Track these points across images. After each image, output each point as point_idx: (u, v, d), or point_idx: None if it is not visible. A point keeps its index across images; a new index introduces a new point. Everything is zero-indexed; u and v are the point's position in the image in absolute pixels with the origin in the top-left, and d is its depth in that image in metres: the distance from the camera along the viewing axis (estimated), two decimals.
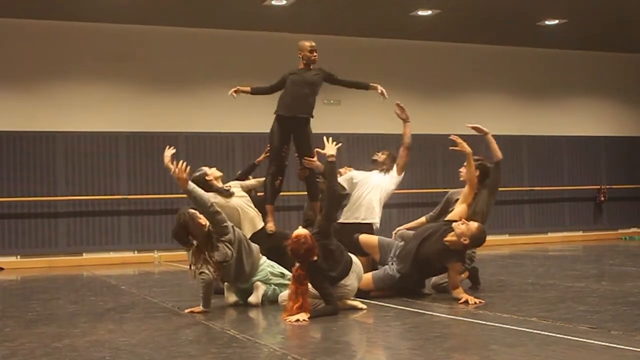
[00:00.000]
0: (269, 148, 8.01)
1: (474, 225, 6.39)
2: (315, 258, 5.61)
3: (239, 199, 7.30)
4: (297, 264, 5.59)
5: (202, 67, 14.32)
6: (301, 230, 5.70)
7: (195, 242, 6.13)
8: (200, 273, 6.00)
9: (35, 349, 4.57)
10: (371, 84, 8.17)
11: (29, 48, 13.37)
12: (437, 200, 16.16)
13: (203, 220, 6.10)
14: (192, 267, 6.09)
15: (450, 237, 6.35)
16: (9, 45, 13.29)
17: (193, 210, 6.13)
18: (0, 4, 12.45)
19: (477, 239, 6.39)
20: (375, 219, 7.58)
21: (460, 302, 6.00)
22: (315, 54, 7.86)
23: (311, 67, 7.89)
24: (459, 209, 6.67)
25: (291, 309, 5.43)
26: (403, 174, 7.83)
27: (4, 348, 4.65)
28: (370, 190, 7.63)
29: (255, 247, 6.50)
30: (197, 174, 7.26)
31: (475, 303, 5.93)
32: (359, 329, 5.35)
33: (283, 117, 7.77)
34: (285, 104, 7.77)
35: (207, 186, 7.08)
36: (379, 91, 8.10)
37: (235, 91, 8.15)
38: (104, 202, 13.52)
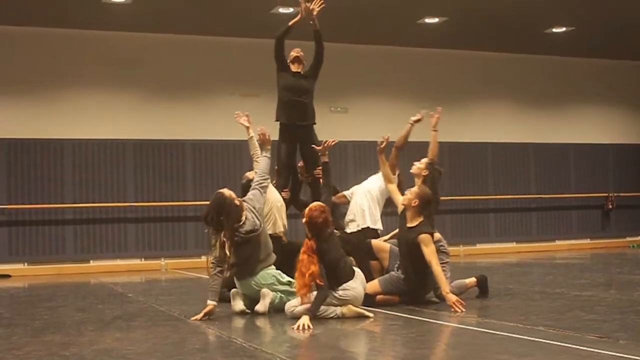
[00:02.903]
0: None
1: (414, 188, 6.77)
2: (329, 230, 6.04)
3: (277, 195, 7.33)
4: (310, 238, 5.91)
5: (209, 74, 14.36)
6: (319, 203, 6.22)
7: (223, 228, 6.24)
8: (218, 272, 6.23)
9: (43, 358, 4.57)
10: (314, 27, 7.90)
11: (36, 56, 13.43)
12: (443, 208, 16.21)
13: (238, 200, 6.30)
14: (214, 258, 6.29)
15: (408, 214, 6.61)
16: (16, 53, 13.35)
17: (229, 191, 6.34)
18: (9, 12, 12.52)
19: (424, 195, 6.64)
20: (367, 222, 7.66)
21: (451, 303, 6.08)
22: (295, 52, 7.86)
23: (300, 70, 7.84)
24: (396, 194, 7.10)
25: (303, 276, 5.76)
26: (396, 173, 7.83)
27: (12, 356, 4.66)
28: (358, 196, 7.83)
29: (271, 245, 6.60)
30: (244, 182, 7.53)
31: (460, 311, 5.97)
32: (366, 337, 5.34)
33: (284, 124, 7.79)
34: (285, 114, 7.75)
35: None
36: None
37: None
38: (111, 209, 13.55)
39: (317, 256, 5.85)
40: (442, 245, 6.97)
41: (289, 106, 7.71)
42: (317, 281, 5.77)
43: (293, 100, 7.70)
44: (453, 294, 6.53)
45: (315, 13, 7.69)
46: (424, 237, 6.41)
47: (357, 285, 6.04)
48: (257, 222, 6.36)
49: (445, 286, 6.26)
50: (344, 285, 5.96)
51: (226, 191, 6.33)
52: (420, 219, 6.57)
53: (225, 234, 6.23)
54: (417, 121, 7.93)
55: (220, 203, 6.25)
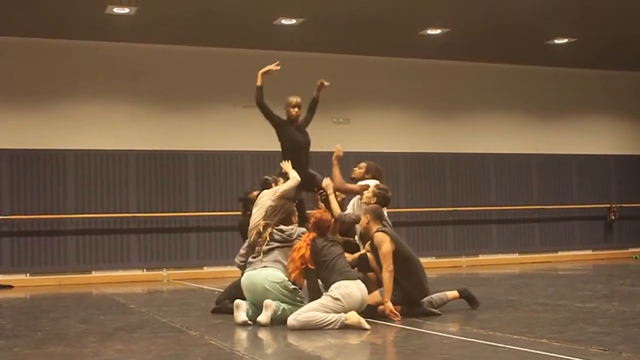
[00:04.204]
0: None
1: (362, 213, 7.01)
2: (332, 234, 6.65)
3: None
4: (312, 232, 6.51)
5: (211, 85, 14.39)
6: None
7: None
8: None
9: None
10: (314, 95, 8.32)
11: (40, 67, 13.46)
12: (446, 220, 16.21)
13: (295, 219, 6.92)
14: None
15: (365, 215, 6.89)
16: (20, 64, 13.39)
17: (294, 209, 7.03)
18: (13, 23, 12.57)
19: (371, 210, 6.91)
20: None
21: (387, 312, 6.34)
22: (297, 110, 8.05)
23: (297, 123, 8.13)
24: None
25: (295, 259, 6.32)
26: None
27: None
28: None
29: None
30: (268, 179, 7.78)
31: (397, 320, 6.24)
32: (368, 350, 5.32)
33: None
34: (297, 168, 7.83)
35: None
36: (319, 84, 8.27)
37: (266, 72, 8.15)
38: (113, 220, 13.55)
39: (311, 246, 6.33)
40: None
41: (300, 160, 7.88)
42: (309, 265, 6.22)
43: (303, 153, 7.98)
44: (439, 304, 6.77)
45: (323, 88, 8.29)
46: (376, 236, 6.61)
47: (353, 286, 6.13)
48: (294, 238, 6.69)
49: (387, 295, 6.38)
50: (338, 283, 6.06)
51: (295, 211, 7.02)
52: (378, 225, 6.77)
53: (268, 224, 6.80)
54: (339, 157, 7.91)
55: (289, 207, 6.95)
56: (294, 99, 8.14)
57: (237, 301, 6.53)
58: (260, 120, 14.80)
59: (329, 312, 5.94)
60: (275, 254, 6.62)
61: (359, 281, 6.28)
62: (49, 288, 12.33)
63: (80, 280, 13.18)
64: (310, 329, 5.83)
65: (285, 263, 6.59)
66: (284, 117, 8.05)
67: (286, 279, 6.50)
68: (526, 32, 14.20)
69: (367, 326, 5.84)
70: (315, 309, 5.98)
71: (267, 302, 6.32)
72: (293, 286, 6.50)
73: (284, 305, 6.37)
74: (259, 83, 8.02)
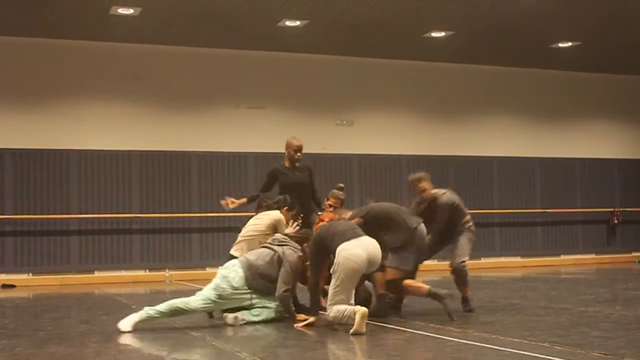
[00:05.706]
0: None
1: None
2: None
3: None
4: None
5: (215, 86, 14.39)
6: None
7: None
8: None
9: None
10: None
11: (43, 67, 13.48)
12: None
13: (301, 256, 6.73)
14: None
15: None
16: (23, 64, 13.41)
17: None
18: (17, 23, 12.59)
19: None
20: None
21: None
22: (299, 154, 8.21)
23: (296, 165, 8.24)
24: None
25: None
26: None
27: None
28: None
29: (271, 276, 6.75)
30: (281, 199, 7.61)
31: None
32: (370, 353, 5.31)
33: None
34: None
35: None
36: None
37: (231, 203, 8.33)
38: (116, 220, 13.56)
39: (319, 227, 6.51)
40: (470, 225, 7.59)
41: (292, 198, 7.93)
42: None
43: (293, 193, 7.92)
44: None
45: None
46: None
47: (354, 244, 5.98)
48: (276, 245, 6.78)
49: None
50: (338, 249, 5.98)
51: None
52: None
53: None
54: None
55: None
56: (296, 143, 8.24)
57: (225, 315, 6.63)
58: (263, 122, 14.87)
59: (342, 296, 5.90)
60: (255, 250, 6.86)
61: (362, 237, 6.08)
62: (52, 288, 12.34)
63: (83, 280, 13.19)
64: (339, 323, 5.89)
65: (260, 261, 6.63)
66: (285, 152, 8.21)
67: (238, 278, 6.70)
68: (530, 35, 14.19)
69: (363, 330, 5.73)
70: (335, 302, 5.94)
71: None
72: (238, 288, 6.67)
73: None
74: (246, 201, 8.32)
